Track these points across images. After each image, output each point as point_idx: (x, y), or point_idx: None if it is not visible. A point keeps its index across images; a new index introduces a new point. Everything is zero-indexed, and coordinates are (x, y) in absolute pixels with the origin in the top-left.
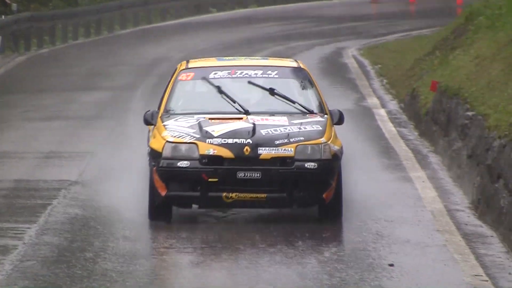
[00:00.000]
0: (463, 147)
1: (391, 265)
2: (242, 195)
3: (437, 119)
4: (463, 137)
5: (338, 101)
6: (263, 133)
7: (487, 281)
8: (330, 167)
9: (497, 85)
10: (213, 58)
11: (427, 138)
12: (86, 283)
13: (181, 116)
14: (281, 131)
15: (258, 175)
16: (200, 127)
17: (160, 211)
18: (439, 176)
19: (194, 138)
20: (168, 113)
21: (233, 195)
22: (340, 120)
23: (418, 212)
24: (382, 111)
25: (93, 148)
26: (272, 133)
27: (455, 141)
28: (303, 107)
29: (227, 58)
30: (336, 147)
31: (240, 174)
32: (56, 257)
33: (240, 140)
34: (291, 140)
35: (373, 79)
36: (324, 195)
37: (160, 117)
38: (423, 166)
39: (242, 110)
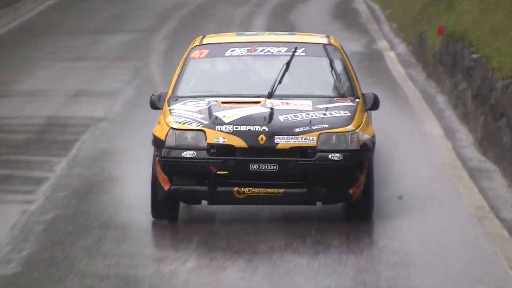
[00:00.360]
0: (468, 88)
1: (401, 197)
2: (256, 190)
3: (443, 61)
4: (468, 78)
5: (350, 44)
6: (282, 120)
7: (490, 212)
8: (358, 159)
9: (501, 29)
10: (233, 33)
11: (434, 79)
12: (114, 211)
13: (190, 99)
14: (302, 117)
15: (275, 167)
16: (210, 112)
17: (165, 208)
18: (446, 115)
19: (202, 125)
20: (176, 96)
21: (246, 190)
22: (374, 105)
23: (425, 149)
24: (392, 54)
25: (119, 87)
26: (292, 119)
27: (460, 82)
28: (332, 90)
29: (248, 33)
30: (366, 136)
31: (254, 166)
32: (86, 188)
33: (255, 127)
34: (314, 127)
35: (383, 24)
36: (350, 191)
37: (168, 100)
38: (430, 106)
39: (261, 93)
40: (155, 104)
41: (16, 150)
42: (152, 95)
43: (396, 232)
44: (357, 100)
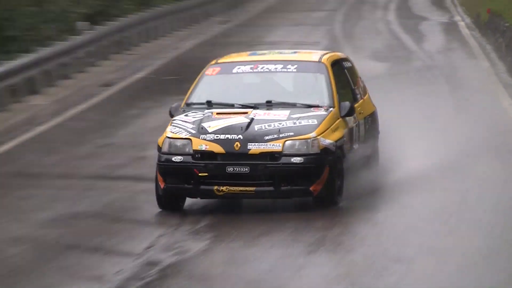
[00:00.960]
0: (503, 42)
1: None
2: (232, 188)
3: (490, 27)
4: (503, 36)
5: (440, 18)
6: (256, 129)
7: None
8: (318, 161)
9: None
10: (246, 53)
11: (485, 37)
12: None
13: (194, 110)
14: (274, 127)
15: (247, 169)
16: (199, 123)
17: (166, 201)
18: (491, 56)
19: (190, 134)
20: (185, 107)
21: (224, 188)
22: (349, 112)
23: (478, 72)
24: (462, 23)
25: (318, 40)
26: (265, 128)
27: (499, 38)
28: (312, 101)
29: (259, 52)
30: (328, 141)
31: (230, 169)
32: None
33: (232, 136)
34: (281, 135)
35: (457, 6)
36: (311, 188)
37: (178, 110)
38: (482, 51)
39: (258, 102)
40: (172, 114)
41: None
42: (171, 106)
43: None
44: (330, 109)
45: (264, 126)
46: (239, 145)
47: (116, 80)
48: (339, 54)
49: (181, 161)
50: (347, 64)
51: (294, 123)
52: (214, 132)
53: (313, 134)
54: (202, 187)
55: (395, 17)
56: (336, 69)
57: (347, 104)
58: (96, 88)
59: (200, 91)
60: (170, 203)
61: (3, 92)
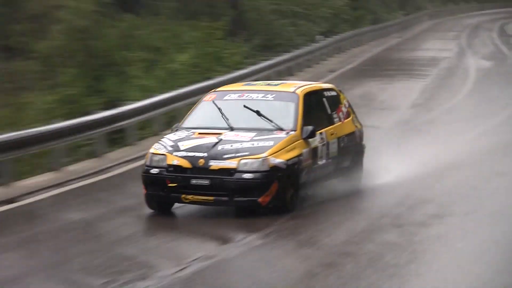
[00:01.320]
0: None
1: None
2: (196, 197)
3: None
4: None
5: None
6: (219, 148)
7: None
8: (266, 177)
9: None
10: (241, 83)
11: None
12: None
13: (183, 131)
14: (234, 147)
15: (207, 182)
16: (177, 142)
17: (150, 205)
18: None
19: (166, 151)
20: (179, 127)
21: (189, 196)
22: (310, 135)
23: None
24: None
25: (451, 48)
26: (227, 148)
27: None
28: (278, 125)
29: (254, 82)
30: (278, 160)
31: (193, 181)
32: None
33: (198, 153)
34: (238, 154)
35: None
36: (259, 200)
37: (172, 130)
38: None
39: (228, 126)
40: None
41: None
42: (173, 126)
43: None
44: (291, 132)
45: (227, 146)
46: (202, 162)
47: (337, 68)
48: (323, 86)
49: (157, 173)
50: (329, 94)
51: (252, 144)
52: (185, 150)
53: (264, 154)
54: (173, 194)
55: (496, 36)
56: (311, 99)
57: (309, 128)
58: (326, 73)
59: (197, 113)
60: (154, 206)
61: (272, 75)
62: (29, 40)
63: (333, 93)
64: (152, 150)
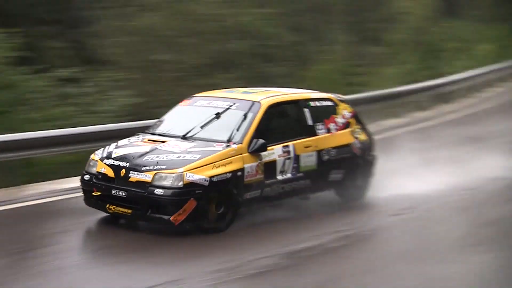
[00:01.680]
0: None
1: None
2: (117, 208)
3: None
4: None
5: None
6: (144, 159)
7: None
8: (179, 195)
9: None
10: (222, 90)
11: None
12: None
13: (144, 134)
14: (158, 158)
15: (125, 194)
16: (117, 147)
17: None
18: None
19: (100, 157)
20: (146, 130)
21: (112, 207)
22: (259, 149)
23: None
24: None
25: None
26: (150, 159)
27: None
28: (223, 136)
29: (234, 89)
30: (197, 176)
31: (114, 192)
32: None
33: (122, 163)
34: (155, 167)
35: None
36: (171, 218)
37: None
38: None
39: (180, 135)
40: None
41: None
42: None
43: None
44: (233, 145)
45: (152, 157)
46: (124, 172)
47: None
48: (312, 95)
49: (88, 179)
50: (318, 103)
51: (179, 157)
52: (114, 158)
53: (180, 170)
54: (100, 202)
55: None
56: (280, 109)
57: (260, 141)
58: (482, 103)
59: (166, 119)
60: (98, 208)
61: (431, 97)
62: (381, 33)
63: (327, 103)
64: (92, 155)
